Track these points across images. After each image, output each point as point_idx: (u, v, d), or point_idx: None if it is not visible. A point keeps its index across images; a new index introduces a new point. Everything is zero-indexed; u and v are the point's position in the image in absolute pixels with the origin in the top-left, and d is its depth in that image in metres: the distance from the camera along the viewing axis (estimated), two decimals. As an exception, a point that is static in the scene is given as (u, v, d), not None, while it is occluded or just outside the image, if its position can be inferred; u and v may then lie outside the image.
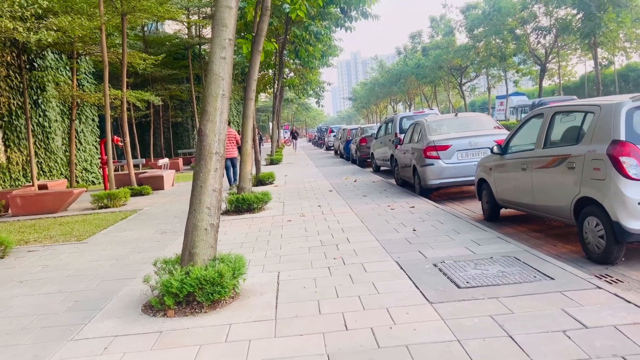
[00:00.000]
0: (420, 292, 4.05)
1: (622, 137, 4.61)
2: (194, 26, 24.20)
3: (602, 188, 4.70)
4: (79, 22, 9.03)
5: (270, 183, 13.39)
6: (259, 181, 13.22)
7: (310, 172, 17.17)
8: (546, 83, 42.96)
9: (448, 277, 4.35)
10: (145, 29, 23.99)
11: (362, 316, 3.63)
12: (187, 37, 25.24)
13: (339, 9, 20.84)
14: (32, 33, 7.49)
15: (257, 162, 13.81)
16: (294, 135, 38.32)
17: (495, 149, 6.81)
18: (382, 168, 16.39)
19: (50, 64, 16.46)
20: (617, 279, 4.36)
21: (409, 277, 4.46)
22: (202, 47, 25.36)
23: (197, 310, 3.93)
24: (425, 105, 55.96)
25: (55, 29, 7.99)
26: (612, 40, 23.75)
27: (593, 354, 2.83)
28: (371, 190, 10.92)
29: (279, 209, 9.15)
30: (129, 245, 6.83)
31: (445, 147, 9.10)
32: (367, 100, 78.29)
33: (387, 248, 5.59)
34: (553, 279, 4.12)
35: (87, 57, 17.43)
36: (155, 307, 4.00)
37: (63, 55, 17.06)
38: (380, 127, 16.52)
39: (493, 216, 7.22)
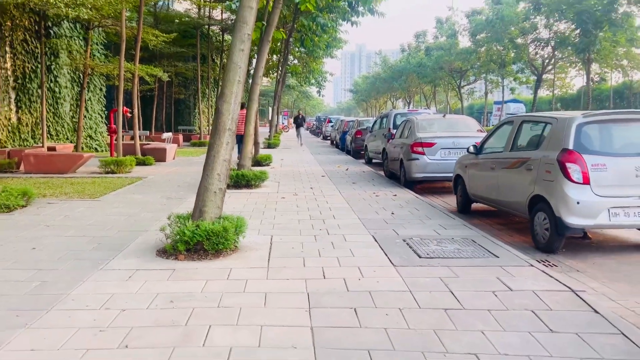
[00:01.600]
0: (388, 258, 4.92)
1: (570, 147, 5.48)
2: (203, 7, 24.79)
3: (550, 188, 5.57)
4: (109, 1, 9.78)
5: (267, 165, 14.20)
6: (257, 162, 14.03)
7: (305, 158, 17.99)
8: (544, 93, 43.96)
9: (412, 249, 5.23)
10: (157, 5, 24.56)
11: (338, 271, 4.49)
12: (197, 16, 25.81)
13: (346, 3, 21.53)
14: (69, 9, 8.22)
15: (256, 144, 14.60)
16: (299, 122, 28.83)
17: (471, 149, 7.66)
18: (374, 160, 17.22)
19: (65, 32, 17.11)
20: (552, 264, 5.25)
21: (381, 247, 5.33)
22: (210, 27, 25.97)
23: (203, 257, 4.77)
24: (424, 103, 56.91)
25: (90, 7, 8.73)
26: (605, 58, 24.72)
27: (510, 307, 3.71)
28: (360, 179, 11.78)
29: (274, 187, 9.99)
30: (138, 206, 7.65)
31: (430, 144, 9.95)
32: (368, 94, 79.01)
33: (366, 225, 6.46)
34: (498, 257, 5.00)
35: (100, 29, 18.07)
36: (168, 252, 4.83)
37: (78, 25, 17.70)
38: (375, 122, 17.33)
39: (465, 209, 8.10)
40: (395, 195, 9.16)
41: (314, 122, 55.68)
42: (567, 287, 4.15)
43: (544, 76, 33.00)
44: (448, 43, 36.95)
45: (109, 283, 4.08)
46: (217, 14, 26.47)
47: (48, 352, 2.89)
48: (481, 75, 36.65)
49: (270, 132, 24.84)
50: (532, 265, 4.73)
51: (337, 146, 26.46)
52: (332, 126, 32.99)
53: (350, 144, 21.28)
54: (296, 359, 2.85)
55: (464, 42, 36.06)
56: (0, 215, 6.69)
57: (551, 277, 4.40)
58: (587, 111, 5.88)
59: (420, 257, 4.97)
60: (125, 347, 2.95)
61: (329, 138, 33.71)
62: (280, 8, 10.33)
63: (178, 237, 4.75)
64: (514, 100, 48.15)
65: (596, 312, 3.68)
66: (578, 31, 23.43)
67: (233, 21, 25.01)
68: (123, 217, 6.79)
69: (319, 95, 53.03)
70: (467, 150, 7.77)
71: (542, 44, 27.27)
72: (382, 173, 13.37)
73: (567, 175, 5.39)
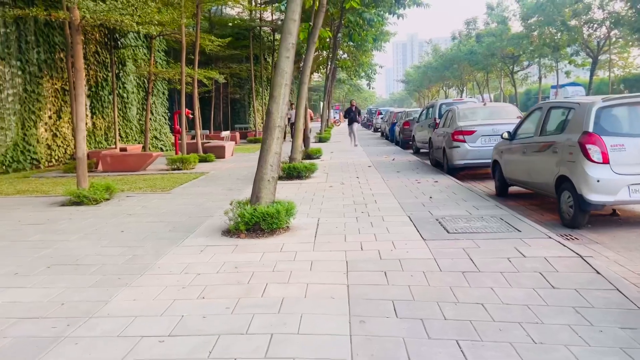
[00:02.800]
0: (419, 233, 5.60)
1: (590, 129, 5.92)
2: (254, 10, 25.90)
3: (573, 168, 6.04)
4: (173, 16, 10.90)
5: (318, 157, 15.03)
6: (308, 155, 14.88)
7: (354, 151, 18.70)
8: (605, 74, 42.26)
9: (443, 226, 5.87)
10: (211, 10, 25.90)
11: (374, 244, 5.22)
12: (248, 19, 26.97)
13: (392, -2, 21.99)
14: (140, 27, 9.36)
15: (306, 139, 15.45)
16: (352, 117, 20.85)
17: (505, 135, 8.13)
18: (421, 150, 17.68)
19: (130, 42, 18.63)
20: (574, 237, 5.74)
21: (415, 225, 6.01)
22: (261, 28, 27.08)
23: (260, 235, 5.62)
24: (476, 91, 56.01)
25: (157, 23, 9.85)
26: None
27: (520, 269, 4.32)
28: (406, 168, 12.37)
29: (323, 177, 10.79)
30: (203, 197, 8.66)
31: (470, 132, 10.42)
32: (420, 84, 78.41)
33: (404, 208, 7.13)
34: (520, 231, 5.56)
35: (162, 37, 19.50)
36: (231, 231, 5.72)
37: (141, 34, 19.19)
38: (422, 112, 17.78)
39: (502, 192, 8.57)
40: (437, 181, 9.73)
41: (365, 115, 56.19)
42: (577, 253, 4.69)
43: (603, 57, 31.93)
44: (499, 29, 36.37)
45: (185, 255, 5.01)
46: (267, 15, 27.56)
47: (146, 301, 3.81)
48: (534, 59, 35.87)
49: (321, 126, 25.68)
50: (549, 237, 5.27)
51: (387, 138, 26.96)
52: (382, 118, 33.45)
53: (398, 135, 21.78)
54: (333, 305, 3.62)
55: (516, 27, 35.39)
56: (90, 207, 7.87)
57: (565, 246, 4.94)
58: (607, 95, 6.26)
59: (448, 232, 5.61)
60: (202, 298, 3.83)
61: (379, 130, 34.20)
62: (325, 10, 11.06)
63: (239, 219, 5.63)
64: (573, 84, 46.63)
65: (598, 273, 4.23)
66: (633, 10, 22.64)
67: (282, 21, 26.04)
68: (191, 206, 7.80)
69: (369, 88, 53.42)
70: (501, 137, 8.25)
71: (596, 24, 26.47)
72: (428, 162, 13.88)
73: (588, 156, 5.84)
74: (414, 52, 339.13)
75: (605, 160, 5.79)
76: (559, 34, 29.61)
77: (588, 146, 5.86)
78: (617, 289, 3.89)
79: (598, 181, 5.78)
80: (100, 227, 6.39)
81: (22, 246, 5.55)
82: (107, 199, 8.42)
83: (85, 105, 16.76)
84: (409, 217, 6.52)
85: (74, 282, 4.28)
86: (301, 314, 3.46)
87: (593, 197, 5.82)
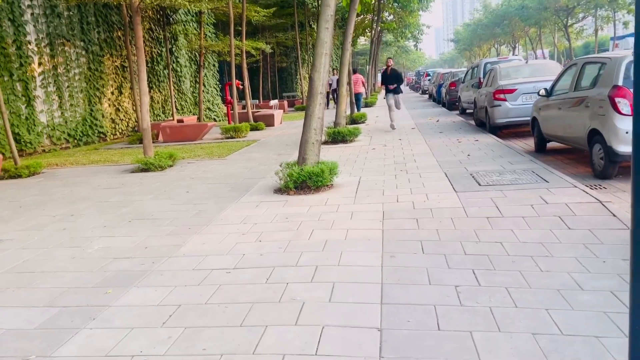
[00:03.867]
0: (452, 187, 6.10)
1: (620, 83, 6.14)
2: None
3: (603, 121, 6.30)
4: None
5: (362, 122, 15.49)
6: (353, 120, 15.37)
7: (399, 114, 18.98)
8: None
9: (475, 180, 6.33)
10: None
11: (409, 197, 5.78)
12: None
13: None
14: (193, 4, 10.04)
15: (351, 104, 15.90)
16: (390, 82, 13.41)
17: (542, 92, 8.34)
18: (467, 111, 17.76)
19: (181, 17, 19.47)
20: (603, 187, 6.07)
21: (449, 180, 6.50)
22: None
23: (307, 192, 6.29)
24: (529, 47, 53.98)
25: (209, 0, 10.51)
26: None
27: (541, 214, 4.78)
28: (449, 129, 12.67)
29: (366, 141, 11.31)
30: (256, 161, 9.41)
31: (511, 91, 10.59)
32: (470, 43, 76.07)
33: (442, 165, 7.60)
34: (548, 182, 5.95)
35: (210, 11, 20.22)
36: (282, 190, 6.42)
37: (190, 10, 19.98)
38: (467, 72, 17.76)
39: (541, 148, 8.83)
40: (477, 140, 10.06)
41: (414, 77, 55.42)
42: (597, 199, 5.08)
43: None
44: (552, -20, 34.85)
45: (243, 210, 5.76)
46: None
47: (213, 244, 4.57)
48: (590, 11, 34.17)
49: (367, 91, 25.92)
50: (575, 187, 5.65)
51: (434, 100, 26.89)
52: (429, 80, 33.16)
53: (445, 97, 21.78)
54: (369, 245, 4.25)
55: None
56: (156, 173, 8.79)
57: (587, 193, 5.32)
58: (639, 49, 6.40)
59: (480, 185, 6.08)
60: (259, 241, 4.55)
61: (427, 92, 33.96)
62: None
63: (288, 178, 6.31)
64: (633, 34, 43.98)
65: (614, 215, 4.63)
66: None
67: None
68: (246, 169, 8.57)
69: (416, 49, 52.39)
70: (538, 94, 8.46)
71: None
72: (472, 122, 14.06)
73: (616, 109, 6.09)
74: (465, 8, 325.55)
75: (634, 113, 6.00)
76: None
77: (617, 99, 6.10)
78: (629, 228, 4.30)
79: (627, 133, 6.03)
80: (168, 189, 7.26)
81: (105, 205, 6.48)
82: (171, 166, 9.32)
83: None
84: (445, 173, 7.00)
85: (152, 232, 5.12)
86: (341, 252, 4.12)
87: (622, 148, 6.09)
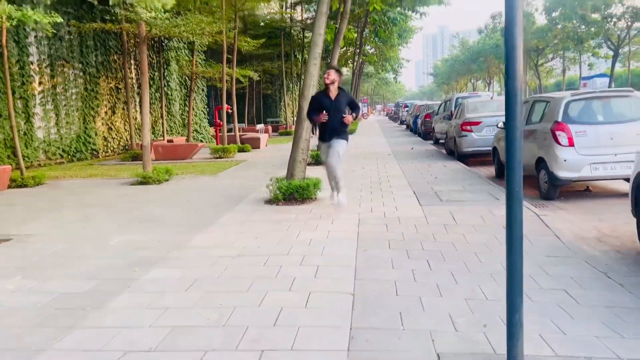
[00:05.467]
0: (418, 202, 7.13)
1: (559, 119, 7.31)
2: (285, 12, 27.50)
3: (547, 150, 7.44)
4: (220, 27, 12.61)
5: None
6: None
7: (378, 142, 20.18)
8: (633, 66, 42.22)
9: (438, 197, 7.38)
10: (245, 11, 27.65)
11: (382, 209, 6.78)
12: (279, 18, 28.61)
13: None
14: (196, 38, 11.09)
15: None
16: (335, 118, 6.58)
17: (500, 125, 9.51)
18: (440, 141, 19.00)
19: (174, 44, 20.52)
20: (545, 206, 7.16)
21: (417, 196, 7.54)
22: (292, 28, 28.68)
23: (294, 203, 7.24)
24: (503, 84, 56.65)
25: (208, 34, 11.56)
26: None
27: (488, 223, 5.81)
28: (422, 156, 13.82)
29: (346, 165, 12.34)
30: (245, 178, 10.34)
31: (477, 123, 11.80)
32: (448, 77, 78.76)
33: (412, 185, 8.65)
34: (498, 199, 7.02)
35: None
36: (272, 201, 7.36)
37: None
38: (440, 105, 19.11)
39: (500, 174, 9.96)
40: (445, 166, 11.18)
41: (393, 108, 57.27)
42: (535, 213, 6.15)
43: (630, 49, 32.34)
44: (524, 23, 36.98)
45: (239, 215, 6.67)
46: (297, 15, 29.12)
47: (217, 240, 5.47)
48: (558, 52, 36.43)
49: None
50: (519, 204, 6.72)
51: (411, 130, 28.27)
52: (407, 111, 34.70)
53: (420, 127, 23.11)
54: (347, 242, 5.20)
55: (540, 20, 36.00)
56: (155, 186, 9.64)
57: (528, 209, 6.40)
58: (575, 91, 7.61)
59: (441, 200, 7.13)
60: (256, 239, 5.47)
61: (405, 122, 35.45)
62: (347, 18, 12.56)
63: (278, 190, 7.26)
64: (601, 75, 46.73)
65: (546, 225, 5.69)
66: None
67: (312, 20, 27.55)
68: (237, 184, 9.49)
69: (396, 82, 54.29)
70: (497, 126, 9.64)
71: (615, 19, 27.11)
72: (444, 151, 15.26)
73: (557, 140, 7.24)
74: (444, 44, 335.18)
75: (571, 144, 7.18)
76: (582, 27, 30.23)
77: (557, 132, 7.26)
78: (555, 234, 5.36)
79: (565, 161, 7.17)
80: (169, 199, 8.14)
81: (114, 210, 7.33)
82: (167, 180, 10.18)
83: (135, 101, 18.76)
84: (413, 191, 8.05)
85: (162, 231, 5.99)
86: (324, 246, 5.07)
87: (562, 173, 7.22)
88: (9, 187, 9.82)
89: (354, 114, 6.88)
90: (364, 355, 2.86)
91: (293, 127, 21.36)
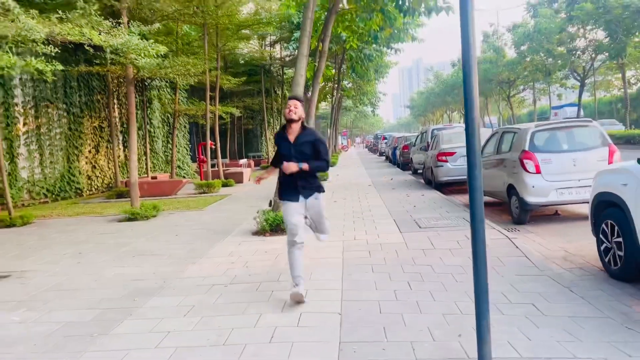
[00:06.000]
0: (399, 229, 7.53)
1: (526, 148, 7.86)
2: (265, 49, 28.32)
3: (516, 178, 7.96)
4: (203, 68, 13.12)
5: (324, 180, 17.01)
6: (316, 178, 16.84)
7: (358, 173, 20.69)
8: (601, 95, 44.09)
9: (417, 224, 7.80)
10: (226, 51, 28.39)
11: (364, 236, 7.16)
12: (259, 56, 29.42)
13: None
14: (180, 78, 11.54)
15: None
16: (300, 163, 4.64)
17: (473, 155, 10.05)
18: (418, 171, 19.60)
19: (156, 83, 20.98)
20: (516, 229, 7.61)
21: (397, 224, 7.94)
22: (272, 65, 29.47)
23: (280, 234, 7.57)
24: (481, 115, 58.55)
25: (193, 75, 12.03)
26: (635, 62, 25.73)
27: (463, 247, 6.22)
28: (401, 186, 14.31)
29: (329, 195, 12.75)
30: (231, 212, 10.65)
31: (452, 154, 12.37)
32: (424, 109, 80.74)
33: (392, 214, 9.06)
34: (473, 225, 7.45)
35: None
36: (259, 232, 7.68)
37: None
38: (417, 136, 19.78)
39: (475, 201, 10.45)
40: (423, 195, 11.66)
41: (372, 140, 58.33)
42: (506, 236, 6.59)
43: (595, 79, 33.96)
44: (495, 57, 38.65)
45: (228, 246, 6.97)
46: (276, 52, 29.99)
47: (209, 269, 5.76)
48: (528, 84, 37.99)
49: (329, 152, 27.71)
50: (493, 228, 7.18)
51: (390, 161, 28.95)
52: (385, 143, 35.50)
53: (399, 158, 23.76)
54: (332, 267, 5.55)
55: (510, 53, 37.63)
56: (143, 221, 9.87)
57: (500, 232, 6.85)
58: (539, 122, 8.21)
59: (420, 227, 7.54)
60: (246, 267, 5.77)
61: (384, 154, 36.21)
62: (326, 57, 13.19)
63: (265, 222, 7.60)
64: (571, 104, 48.67)
65: (517, 247, 6.12)
66: (609, 39, 24.74)
67: (291, 58, 28.42)
68: (223, 218, 9.79)
69: (374, 115, 55.44)
70: (470, 156, 10.17)
71: (579, 52, 28.66)
72: (422, 181, 15.79)
73: (525, 168, 7.77)
74: (420, 76, 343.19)
75: (538, 171, 7.71)
76: (549, 60, 31.72)
77: (525, 161, 7.79)
78: (525, 255, 5.79)
79: (533, 187, 7.69)
80: (159, 233, 8.40)
81: (106, 246, 7.55)
82: (155, 216, 10.43)
83: (119, 139, 19.01)
84: (394, 219, 8.45)
85: (156, 263, 6.26)
86: (311, 272, 5.40)
87: (531, 199, 7.72)
88: (-3, 226, 9.95)
89: (309, 165, 4.46)
90: (353, 364, 3.19)
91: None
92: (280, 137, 4.61)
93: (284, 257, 6.12)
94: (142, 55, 7.20)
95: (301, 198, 4.58)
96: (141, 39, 7.18)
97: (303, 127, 4.59)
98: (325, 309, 4.22)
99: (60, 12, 5.48)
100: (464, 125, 12.56)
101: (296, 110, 4.49)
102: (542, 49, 30.81)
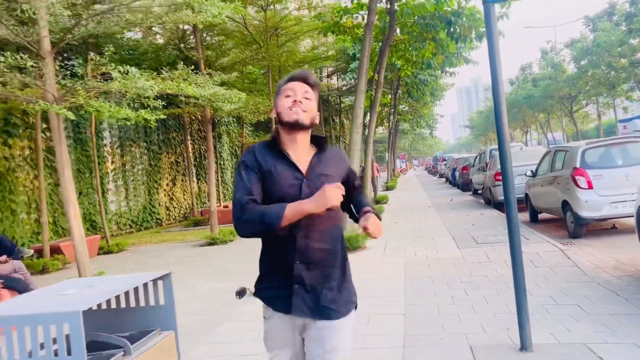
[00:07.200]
0: (457, 245, 8.10)
1: (578, 165, 8.25)
2: (323, 79, 29.59)
3: (570, 194, 8.34)
4: (269, 105, 14.36)
5: (385, 202, 17.66)
6: (376, 201, 17.55)
7: (417, 195, 21.16)
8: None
9: (475, 240, 8.33)
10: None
11: (424, 252, 7.79)
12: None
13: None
14: (250, 116, 12.78)
15: (374, 188, 18.18)
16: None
17: (528, 173, 10.46)
18: (478, 191, 19.83)
19: (225, 119, 22.60)
20: (572, 243, 7.98)
21: (455, 241, 8.50)
22: (329, 95, 30.71)
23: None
24: (541, 132, 56.96)
25: (262, 112, 13.27)
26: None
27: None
28: (460, 206, 14.72)
29: (389, 217, 13.40)
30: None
31: (509, 173, 12.71)
32: (484, 128, 79.50)
33: (450, 232, 9.61)
34: (528, 239, 7.91)
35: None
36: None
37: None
38: (476, 157, 20.07)
39: (533, 218, 10.79)
40: (482, 214, 12.08)
41: (431, 162, 58.25)
42: (560, 249, 7.02)
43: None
44: (554, 73, 38.05)
45: (301, 265, 7.81)
46: (333, 81, 31.26)
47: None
48: (591, 98, 37.04)
49: (387, 175, 28.36)
50: (547, 242, 7.61)
51: (450, 182, 29.11)
52: (445, 164, 35.62)
53: (458, 179, 23.99)
54: (394, 279, 6.23)
55: (570, 68, 36.96)
56: (222, 245, 10.93)
57: (554, 245, 7.28)
58: (591, 139, 8.57)
59: (477, 243, 8.07)
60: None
61: (443, 176, 36.30)
62: (382, 87, 14.02)
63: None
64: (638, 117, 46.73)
65: (569, 258, 6.56)
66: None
67: (348, 87, 29.52)
68: (293, 241, 10.67)
69: (432, 137, 55.46)
70: (525, 175, 10.58)
71: (642, 63, 27.99)
72: (482, 201, 16.10)
73: (577, 184, 8.15)
74: (479, 95, 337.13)
75: (590, 187, 8.07)
76: (612, 73, 30.98)
77: (577, 177, 8.18)
78: (576, 265, 6.23)
79: (586, 202, 8.04)
80: (239, 255, 9.38)
81: (195, 266, 8.60)
82: (232, 240, 11.49)
83: (192, 173, 20.60)
84: (452, 237, 9.01)
85: (241, 279, 7.18)
86: (376, 283, 6.11)
87: (584, 213, 8.08)
88: (98, 254, 11.34)
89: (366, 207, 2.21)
90: (415, 348, 3.88)
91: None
92: (263, 160, 2.03)
93: (355, 268, 6.87)
94: (226, 102, 8.29)
95: (302, 310, 2.05)
96: (220, 86, 8.32)
97: (318, 142, 2.18)
98: (391, 311, 4.92)
99: (164, 71, 6.65)
100: (520, 145, 13.25)
101: (308, 102, 2.07)
102: (603, 63, 30.19)
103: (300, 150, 2.08)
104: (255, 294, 2.23)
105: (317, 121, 2.12)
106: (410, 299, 5.32)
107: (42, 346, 1.77)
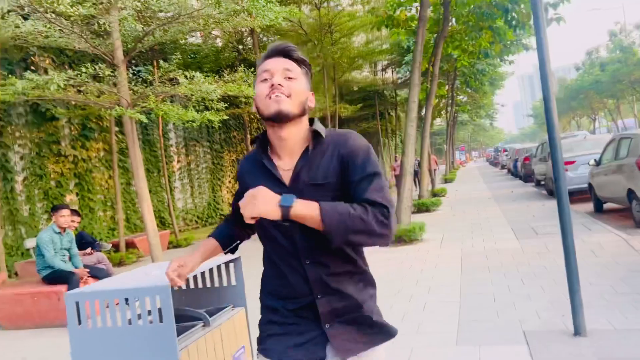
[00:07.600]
0: (515, 235, 8.06)
1: (643, 153, 7.97)
2: (377, 73, 29.59)
3: (635, 182, 8.08)
4: (324, 102, 14.69)
5: (443, 195, 17.54)
6: (434, 194, 17.47)
7: (477, 187, 20.82)
8: None
9: (535, 231, 8.24)
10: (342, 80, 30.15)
11: (481, 244, 7.81)
12: (370, 80, 30.74)
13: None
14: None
15: (432, 180, 18.09)
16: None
17: (592, 162, 10.15)
18: (541, 182, 19.24)
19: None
20: (637, 233, 7.74)
21: (514, 232, 8.45)
22: (384, 89, 30.66)
23: (404, 244, 8.47)
24: (609, 119, 54.05)
25: (317, 109, 13.61)
26: None
27: (579, 249, 6.63)
28: (521, 197, 14.43)
29: (447, 209, 13.36)
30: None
31: (572, 162, 12.36)
32: (548, 117, 76.20)
33: (510, 223, 9.53)
34: (590, 230, 7.75)
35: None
36: (384, 243, 8.65)
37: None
38: (538, 147, 19.49)
39: (598, 208, 10.45)
40: (544, 205, 11.82)
41: (492, 153, 56.73)
42: (623, 239, 6.86)
43: None
44: (624, 56, 36.02)
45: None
46: (388, 75, 31.15)
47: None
48: (666, 81, 34.77)
49: (446, 168, 27.99)
50: (610, 232, 7.43)
51: (512, 173, 28.33)
52: (506, 155, 34.66)
53: (520, 170, 23.35)
54: (452, 269, 6.34)
55: (641, 50, 34.89)
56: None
57: (618, 235, 7.11)
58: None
59: (537, 234, 7.99)
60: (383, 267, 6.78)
61: (505, 167, 35.33)
62: (437, 79, 13.97)
63: (389, 234, 8.56)
64: None
65: (631, 247, 6.42)
66: None
67: (403, 80, 29.33)
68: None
69: (492, 127, 53.88)
70: (589, 164, 10.27)
71: None
72: (545, 192, 15.67)
73: (643, 172, 7.89)
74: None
75: (657, 174, 7.79)
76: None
77: (642, 165, 7.91)
78: (640, 255, 6.10)
79: (653, 190, 7.77)
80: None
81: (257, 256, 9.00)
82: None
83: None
84: (511, 228, 8.95)
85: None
86: (433, 273, 6.25)
87: (652, 202, 7.81)
88: (168, 247, 12.07)
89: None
90: (469, 332, 4.03)
91: (392, 181, 22.82)
92: (248, 174, 1.67)
93: (408, 262, 7.04)
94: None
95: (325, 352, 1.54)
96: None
97: (314, 134, 1.57)
98: (446, 299, 5.07)
99: (225, 74, 7.08)
100: (585, 134, 12.91)
101: (291, 84, 1.53)
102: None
103: (294, 149, 1.55)
104: (263, 352, 1.70)
105: (311, 104, 1.58)
106: (466, 288, 5.43)
107: (139, 317, 2.11)
